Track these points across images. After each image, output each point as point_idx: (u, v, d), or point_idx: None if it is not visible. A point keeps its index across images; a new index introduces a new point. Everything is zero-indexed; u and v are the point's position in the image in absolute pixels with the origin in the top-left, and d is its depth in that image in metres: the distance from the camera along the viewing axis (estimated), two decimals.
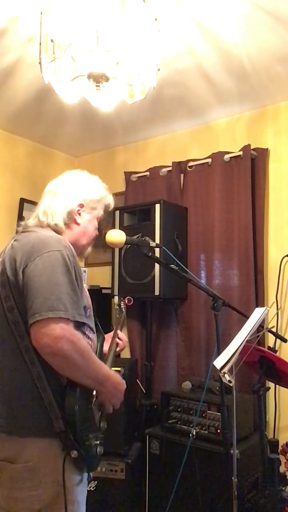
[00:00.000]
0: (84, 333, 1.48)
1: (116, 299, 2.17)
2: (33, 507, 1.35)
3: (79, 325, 1.44)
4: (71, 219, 1.60)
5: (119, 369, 2.66)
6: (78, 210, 1.61)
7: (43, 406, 1.37)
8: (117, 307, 2.14)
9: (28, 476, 1.35)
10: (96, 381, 1.45)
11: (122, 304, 2.15)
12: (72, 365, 1.35)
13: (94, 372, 1.42)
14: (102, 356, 1.67)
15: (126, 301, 2.15)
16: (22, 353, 1.39)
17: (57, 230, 1.55)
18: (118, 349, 1.87)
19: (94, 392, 1.48)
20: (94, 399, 1.48)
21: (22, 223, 1.62)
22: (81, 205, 1.62)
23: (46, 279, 1.36)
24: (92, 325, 1.59)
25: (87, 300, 1.55)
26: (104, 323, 3.63)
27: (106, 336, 1.84)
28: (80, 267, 1.51)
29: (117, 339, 1.86)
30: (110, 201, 1.73)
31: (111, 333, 1.88)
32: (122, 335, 1.92)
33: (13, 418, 1.39)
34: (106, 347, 1.78)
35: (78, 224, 1.62)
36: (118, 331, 1.90)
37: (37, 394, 1.37)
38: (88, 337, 1.52)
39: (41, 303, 1.32)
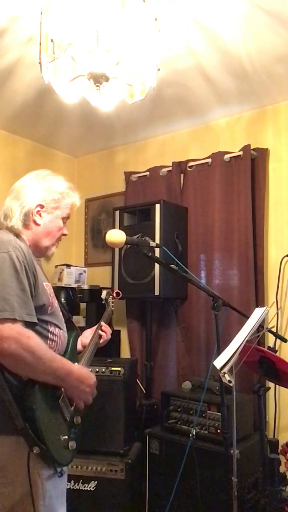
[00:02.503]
0: (48, 331, 1.53)
1: (104, 293, 2.19)
2: (6, 504, 1.40)
3: (39, 323, 1.48)
4: (29, 220, 1.60)
5: (119, 369, 2.67)
6: (38, 211, 1.61)
7: (5, 405, 1.40)
8: (104, 301, 2.16)
9: None
10: (55, 377, 1.46)
11: (110, 298, 2.17)
12: (22, 363, 1.38)
13: (50, 368, 1.43)
14: (75, 350, 1.71)
15: (115, 295, 2.17)
16: None
17: (14, 232, 1.57)
18: (101, 341, 1.89)
19: (63, 388, 1.51)
20: (63, 394, 1.51)
21: None
22: (41, 206, 1.62)
23: None
24: (58, 321, 1.61)
25: (47, 298, 1.55)
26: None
27: (90, 330, 1.89)
28: (37, 266, 1.54)
29: (100, 331, 1.89)
30: (75, 199, 1.72)
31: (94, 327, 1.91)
32: (106, 327, 1.94)
33: None
34: (87, 340, 1.83)
35: (38, 224, 1.61)
36: (103, 323, 1.93)
37: None
38: (53, 334, 1.56)
39: None
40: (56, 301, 1.65)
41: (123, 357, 3.50)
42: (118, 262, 3.18)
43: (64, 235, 1.71)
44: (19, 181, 1.67)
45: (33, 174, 1.69)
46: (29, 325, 1.43)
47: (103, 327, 1.92)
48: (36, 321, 1.47)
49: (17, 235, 1.57)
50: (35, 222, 1.61)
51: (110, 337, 1.94)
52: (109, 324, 2.02)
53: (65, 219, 1.70)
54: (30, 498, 1.38)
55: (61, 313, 1.68)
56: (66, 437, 1.50)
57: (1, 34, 2.24)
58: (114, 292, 2.20)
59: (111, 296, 2.19)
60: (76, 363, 1.63)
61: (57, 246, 1.71)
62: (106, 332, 1.92)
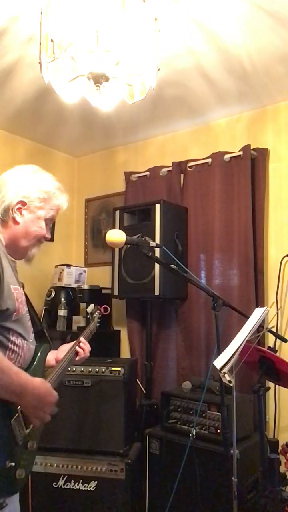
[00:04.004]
0: (8, 339, 1.37)
1: (91, 307, 2.07)
2: None
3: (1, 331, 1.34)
4: (8, 217, 1.47)
5: (119, 369, 2.67)
6: (19, 208, 1.48)
7: None
8: (89, 315, 2.02)
9: None
10: (9, 392, 1.28)
11: (97, 313, 2.04)
12: None
13: (2, 381, 1.25)
14: (41, 365, 1.53)
15: (102, 310, 2.05)
16: None
17: None
18: (77, 358, 1.73)
19: (19, 407, 1.32)
20: (17, 414, 1.31)
21: None
22: (23, 203, 1.48)
23: None
24: (23, 330, 1.44)
25: (12, 302, 1.39)
26: (104, 323, 3.64)
27: (68, 344, 1.74)
28: (5, 267, 1.40)
29: (78, 347, 1.73)
30: (63, 202, 1.58)
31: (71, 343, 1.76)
32: (86, 344, 1.78)
33: None
34: (61, 355, 1.67)
35: (17, 223, 1.48)
36: (82, 339, 1.78)
37: None
38: (14, 344, 1.39)
39: None
40: (26, 309, 1.49)
41: (123, 357, 3.50)
42: (118, 262, 3.18)
43: (46, 238, 1.55)
44: (3, 174, 1.54)
45: (20, 167, 1.57)
46: None
47: (81, 344, 1.75)
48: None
49: None
50: (14, 220, 1.47)
51: (88, 355, 1.77)
52: (90, 340, 1.85)
53: (49, 220, 1.55)
54: None
55: (29, 322, 1.52)
56: (13, 464, 1.27)
57: (1, 34, 2.24)
58: (102, 307, 2.07)
59: (98, 311, 2.05)
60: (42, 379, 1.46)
61: (38, 248, 1.56)
62: (84, 350, 1.74)
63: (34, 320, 1.58)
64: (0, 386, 1.26)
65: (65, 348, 1.75)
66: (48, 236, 1.56)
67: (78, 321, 3.38)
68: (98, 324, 2.03)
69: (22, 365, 1.42)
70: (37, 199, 1.50)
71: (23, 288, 1.55)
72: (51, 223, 1.58)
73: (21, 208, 1.48)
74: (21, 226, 1.48)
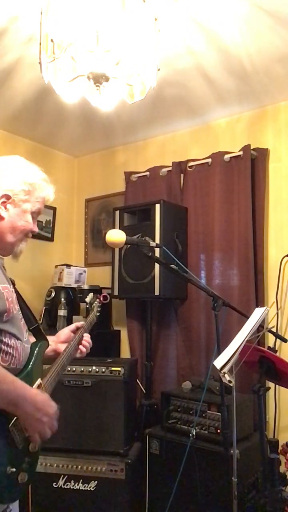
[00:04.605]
0: (1, 341, 1.32)
1: (90, 296, 1.97)
2: None
3: None
4: None
5: (119, 369, 2.67)
6: (4, 202, 1.41)
7: None
8: (89, 305, 1.94)
9: None
10: (4, 402, 1.22)
11: (96, 302, 1.96)
12: None
13: (0, 391, 1.21)
14: (39, 364, 1.48)
15: (102, 299, 1.97)
16: None
17: None
18: (78, 355, 1.68)
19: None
20: (15, 418, 1.26)
21: None
22: (7, 197, 1.41)
23: None
24: (16, 330, 1.39)
25: (2, 303, 1.33)
26: (104, 324, 3.64)
27: (68, 329, 1.70)
28: None
29: (81, 345, 1.68)
30: (48, 193, 1.51)
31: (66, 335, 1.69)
32: (87, 340, 1.73)
33: None
34: (62, 347, 1.63)
35: (2, 218, 1.41)
36: (85, 334, 1.71)
37: None
38: (8, 345, 1.34)
39: None
40: (17, 308, 1.44)
41: (123, 357, 3.50)
42: (118, 262, 3.18)
43: (33, 232, 1.49)
44: None
45: (2, 159, 1.48)
46: None
47: (84, 340, 1.70)
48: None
49: None
50: None
51: (89, 351, 1.70)
52: (91, 331, 1.79)
53: (35, 214, 1.48)
54: None
55: (22, 321, 1.46)
56: (14, 469, 1.24)
57: (1, 34, 2.24)
58: (102, 296, 2.00)
59: (97, 300, 1.98)
60: (39, 379, 1.42)
61: (26, 243, 1.50)
62: (86, 347, 1.69)
63: (28, 317, 1.52)
64: None
65: (63, 333, 1.71)
66: (35, 230, 1.49)
67: (78, 321, 3.36)
68: (98, 314, 1.96)
69: (18, 366, 1.38)
70: (22, 192, 1.43)
71: (14, 285, 1.51)
72: (37, 216, 1.51)
73: (5, 202, 1.41)
74: (7, 221, 1.42)
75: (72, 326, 1.75)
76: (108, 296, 1.94)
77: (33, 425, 1.28)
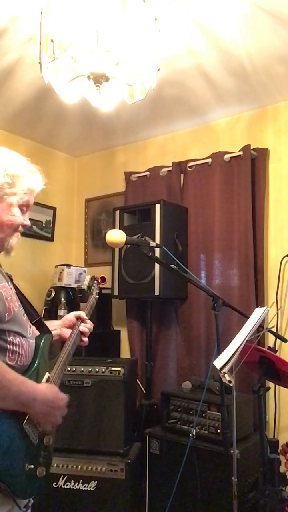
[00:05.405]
0: (6, 341, 1.30)
1: (87, 278, 1.90)
2: None
3: None
4: None
5: (119, 369, 2.66)
6: None
7: None
8: (86, 288, 1.86)
9: None
10: (16, 403, 1.23)
11: (95, 284, 1.89)
12: None
13: (10, 393, 1.21)
14: (46, 357, 1.47)
15: (100, 280, 1.90)
16: None
17: None
18: (83, 340, 1.67)
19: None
20: (27, 416, 1.27)
21: None
22: None
23: None
24: (19, 328, 1.37)
25: (2, 303, 1.30)
26: (104, 323, 3.62)
27: (72, 315, 1.69)
28: None
29: (81, 328, 1.66)
30: (34, 183, 1.43)
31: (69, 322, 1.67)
32: (88, 323, 1.70)
33: None
34: (67, 332, 1.64)
35: None
36: (83, 315, 1.69)
37: None
38: (13, 344, 1.33)
39: None
40: (17, 304, 1.40)
41: (123, 357, 3.50)
42: (118, 262, 3.18)
43: (24, 225, 1.42)
44: None
45: None
46: None
47: (84, 324, 1.67)
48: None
49: None
50: None
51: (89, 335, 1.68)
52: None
53: (24, 206, 1.41)
54: None
55: (24, 317, 1.44)
56: (32, 466, 1.27)
57: (1, 34, 2.24)
58: (100, 277, 1.90)
59: (95, 282, 1.89)
60: (47, 374, 1.42)
61: (18, 238, 1.42)
62: (85, 333, 1.67)
63: (29, 311, 1.49)
64: (10, 399, 1.21)
65: (68, 319, 1.70)
66: (27, 223, 1.43)
67: None
68: (97, 296, 1.89)
69: (25, 363, 1.37)
70: (5, 185, 1.34)
71: (11, 280, 1.47)
72: (28, 209, 1.44)
73: None
74: None
75: (77, 312, 1.74)
76: (106, 278, 1.87)
77: (46, 420, 1.33)
